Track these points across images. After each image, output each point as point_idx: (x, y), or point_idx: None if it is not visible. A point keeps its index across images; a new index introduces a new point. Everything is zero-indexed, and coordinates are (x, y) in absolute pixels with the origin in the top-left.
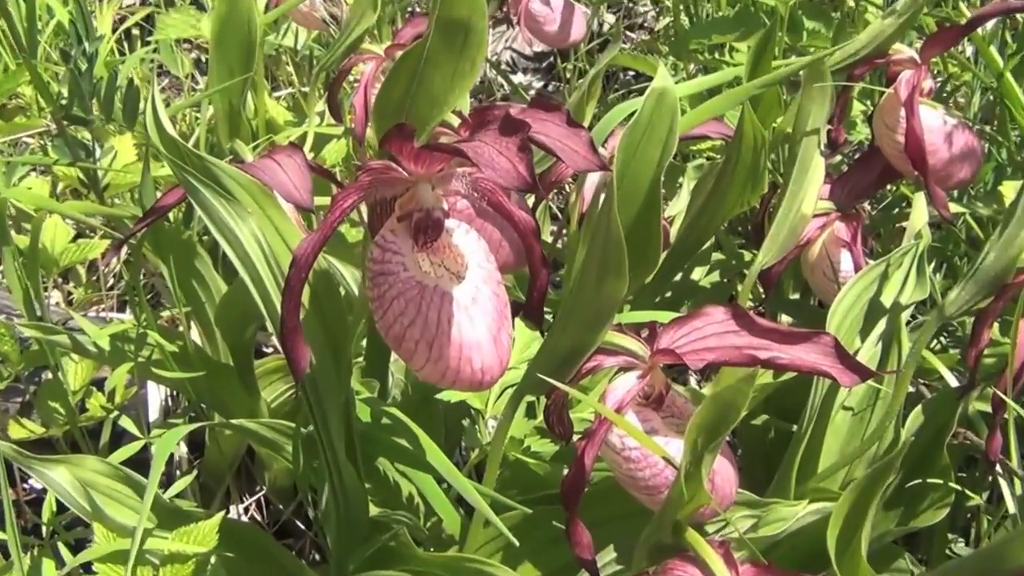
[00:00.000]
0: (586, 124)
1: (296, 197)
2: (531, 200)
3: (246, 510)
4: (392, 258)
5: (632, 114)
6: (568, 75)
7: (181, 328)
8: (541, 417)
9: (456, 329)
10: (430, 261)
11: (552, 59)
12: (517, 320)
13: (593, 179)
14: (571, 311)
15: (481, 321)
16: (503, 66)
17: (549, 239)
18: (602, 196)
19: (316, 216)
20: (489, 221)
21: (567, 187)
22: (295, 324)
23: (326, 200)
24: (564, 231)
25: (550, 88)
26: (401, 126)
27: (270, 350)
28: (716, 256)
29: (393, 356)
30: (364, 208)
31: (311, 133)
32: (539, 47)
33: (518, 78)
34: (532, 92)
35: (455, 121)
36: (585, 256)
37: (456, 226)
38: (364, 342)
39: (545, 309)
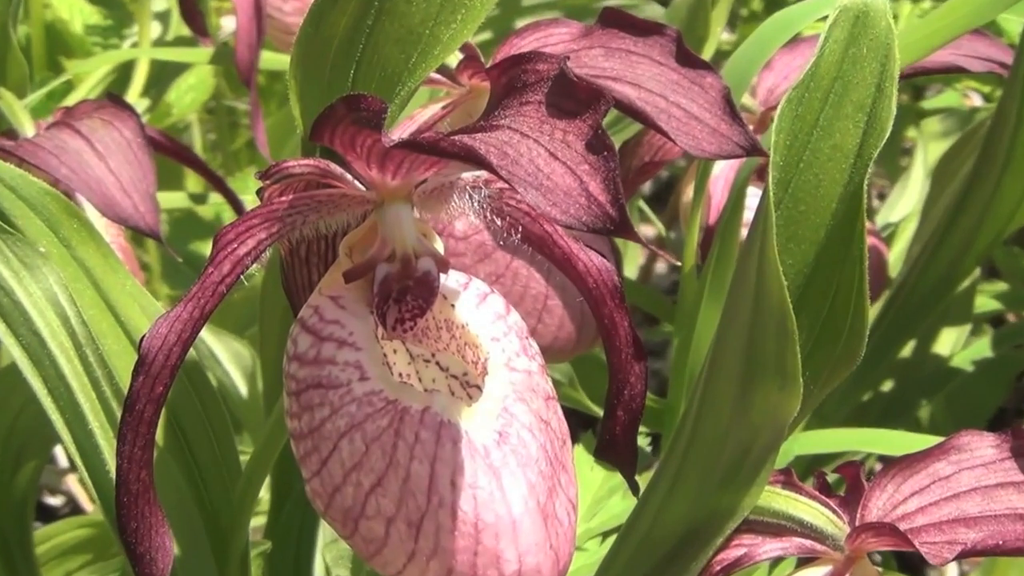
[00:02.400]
0: (711, 52)
1: (127, 213)
2: None
3: None
4: (337, 354)
5: (826, 22)
6: None
7: None
8: None
9: (468, 497)
10: (410, 355)
11: None
12: (579, 450)
13: (728, 165)
14: (690, 445)
15: (517, 478)
16: None
17: (635, 270)
18: (745, 210)
19: (166, 243)
20: (521, 258)
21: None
22: (145, 485)
23: (178, 198)
24: (662, 252)
25: None
26: (354, 101)
27: (59, 502)
28: (984, 300)
29: (329, 531)
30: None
31: (144, 59)
32: None
33: None
34: None
35: (452, 57)
36: (718, 336)
37: (460, 287)
38: (266, 493)
39: (640, 430)
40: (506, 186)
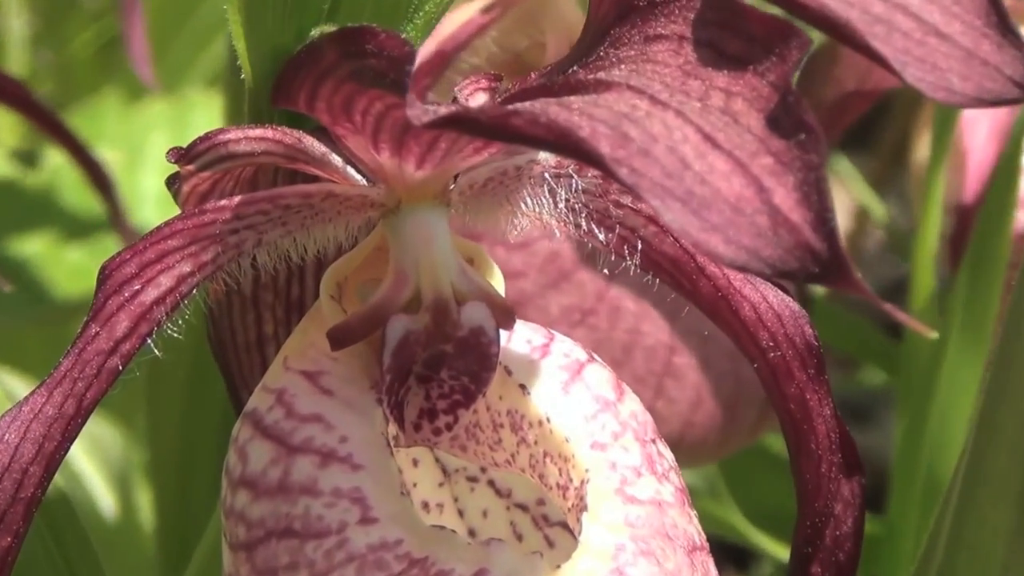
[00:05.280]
0: None
1: None
2: None
3: None
4: (320, 475)
5: None
6: None
7: None
8: None
9: None
10: (443, 471)
11: None
12: None
13: (988, 117)
14: None
15: None
16: None
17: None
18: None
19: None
20: (622, 283)
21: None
22: None
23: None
24: (891, 308)
25: None
26: (355, 39)
27: None
28: None
29: None
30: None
31: None
32: None
33: None
34: None
35: None
36: (982, 415)
37: (535, 352)
38: None
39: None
40: (623, 189)
